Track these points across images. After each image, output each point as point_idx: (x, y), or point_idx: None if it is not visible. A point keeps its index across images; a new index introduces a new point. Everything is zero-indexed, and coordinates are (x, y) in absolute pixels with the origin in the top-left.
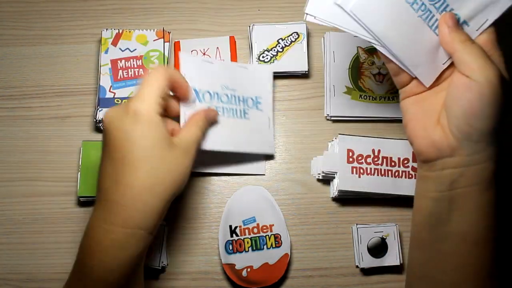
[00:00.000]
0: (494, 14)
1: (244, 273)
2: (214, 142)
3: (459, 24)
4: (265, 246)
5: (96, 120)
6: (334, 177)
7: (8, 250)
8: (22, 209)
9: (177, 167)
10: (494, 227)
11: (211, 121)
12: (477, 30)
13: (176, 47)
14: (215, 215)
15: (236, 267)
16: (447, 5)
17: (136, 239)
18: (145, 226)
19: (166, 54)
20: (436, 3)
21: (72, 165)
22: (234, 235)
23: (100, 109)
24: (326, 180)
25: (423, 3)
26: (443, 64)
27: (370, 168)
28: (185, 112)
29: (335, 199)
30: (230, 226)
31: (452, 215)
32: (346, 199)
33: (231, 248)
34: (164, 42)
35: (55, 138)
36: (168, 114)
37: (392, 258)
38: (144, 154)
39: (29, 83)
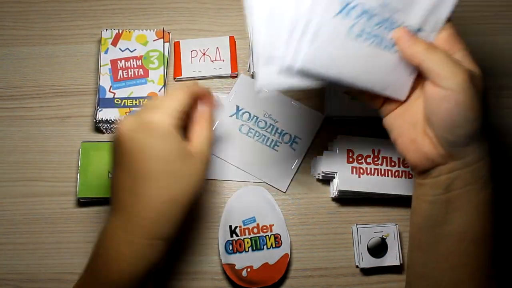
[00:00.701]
0: (445, 10)
1: (244, 273)
2: (235, 158)
3: (414, 34)
4: (265, 246)
5: (96, 120)
6: (334, 177)
7: (8, 250)
8: (22, 209)
9: (194, 176)
10: (492, 226)
11: (215, 108)
12: (433, 31)
13: (176, 47)
14: (215, 215)
15: (236, 267)
16: (394, 22)
17: (156, 249)
18: (165, 237)
19: (166, 54)
20: (381, 26)
21: (72, 165)
22: (234, 235)
23: (100, 109)
24: (326, 180)
25: (369, 32)
26: (411, 75)
27: (370, 168)
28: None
29: (335, 199)
30: (230, 226)
31: (449, 216)
32: (346, 199)
33: (231, 248)
34: (164, 42)
35: (55, 138)
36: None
37: (392, 258)
38: (162, 167)
39: (29, 83)
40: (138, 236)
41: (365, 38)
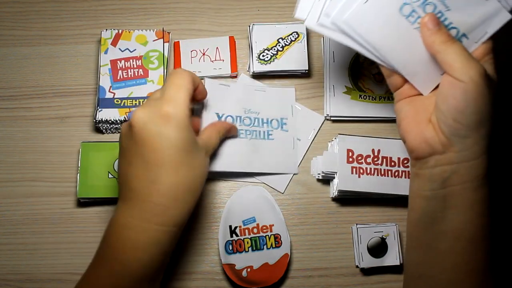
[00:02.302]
0: (493, 27)
1: (244, 273)
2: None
3: (440, 24)
4: (265, 246)
5: (96, 120)
6: (334, 177)
7: (8, 250)
8: (22, 210)
9: (203, 167)
10: (488, 226)
11: (230, 134)
12: (476, 42)
13: (176, 47)
14: (215, 215)
15: (236, 267)
16: (446, 19)
17: (171, 236)
18: (178, 223)
19: (166, 54)
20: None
21: (72, 166)
22: (234, 235)
23: (100, 109)
24: (326, 180)
25: (419, 16)
26: (441, 74)
27: (370, 168)
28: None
29: (335, 199)
30: (230, 226)
31: (446, 213)
32: (346, 199)
33: (231, 248)
34: (163, 42)
35: (55, 139)
36: None
37: (392, 258)
38: (178, 156)
39: (29, 83)
40: (153, 223)
41: (414, 21)
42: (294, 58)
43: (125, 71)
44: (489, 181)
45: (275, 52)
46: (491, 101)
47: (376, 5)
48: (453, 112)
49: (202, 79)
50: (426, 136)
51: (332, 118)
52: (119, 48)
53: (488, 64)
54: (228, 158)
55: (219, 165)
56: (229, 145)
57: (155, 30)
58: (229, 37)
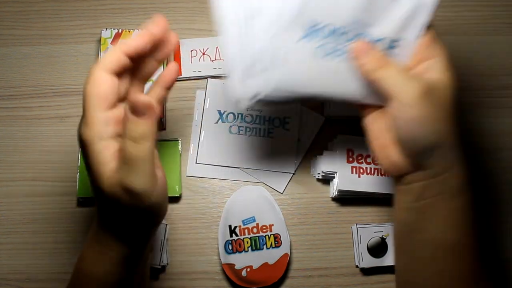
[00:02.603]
0: (424, 15)
1: (243, 273)
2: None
3: (369, 50)
4: (264, 246)
5: None
6: (334, 177)
7: (8, 250)
8: (22, 209)
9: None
10: (470, 234)
11: (170, 88)
12: (416, 38)
13: (176, 47)
14: (215, 215)
15: (236, 267)
16: (369, 35)
17: (128, 266)
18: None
19: None
20: (354, 41)
21: (71, 165)
22: (233, 235)
23: None
24: (326, 180)
25: (340, 49)
26: None
27: (370, 168)
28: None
29: (335, 199)
30: (230, 226)
31: (424, 223)
32: (346, 199)
33: (230, 248)
34: None
35: (55, 138)
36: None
37: (392, 258)
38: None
39: (29, 83)
40: (107, 254)
41: (337, 54)
42: None
43: None
44: (467, 188)
45: None
46: (448, 109)
47: (296, 62)
48: (410, 138)
49: (205, 79)
50: (394, 160)
51: (332, 118)
52: None
53: (438, 65)
54: (225, 154)
55: (216, 160)
56: (227, 141)
57: None
58: None
